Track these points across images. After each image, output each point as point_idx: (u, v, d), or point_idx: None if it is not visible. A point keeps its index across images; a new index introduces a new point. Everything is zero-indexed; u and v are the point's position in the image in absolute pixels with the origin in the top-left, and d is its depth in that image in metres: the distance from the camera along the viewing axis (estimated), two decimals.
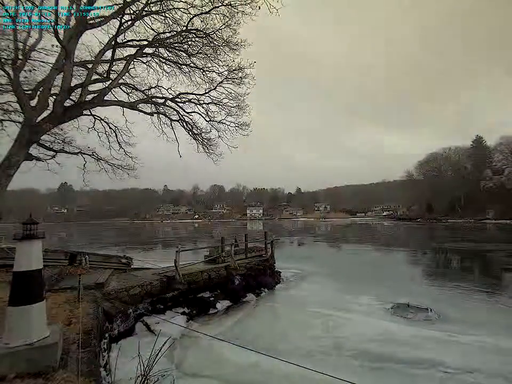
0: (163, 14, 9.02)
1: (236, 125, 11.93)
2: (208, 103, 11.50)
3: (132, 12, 8.56)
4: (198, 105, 11.42)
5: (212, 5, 8.78)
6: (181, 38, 9.69)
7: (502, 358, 5.54)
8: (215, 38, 9.69)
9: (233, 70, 10.72)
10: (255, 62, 10.59)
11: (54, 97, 7.82)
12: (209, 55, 10.27)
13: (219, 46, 9.95)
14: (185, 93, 11.06)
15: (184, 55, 10.19)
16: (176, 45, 9.82)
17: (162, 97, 10.70)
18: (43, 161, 8.97)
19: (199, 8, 8.94)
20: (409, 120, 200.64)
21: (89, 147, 10.32)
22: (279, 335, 6.73)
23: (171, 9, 9.00)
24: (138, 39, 9.50)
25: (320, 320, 7.65)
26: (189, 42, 9.89)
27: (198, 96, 11.22)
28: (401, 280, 12.21)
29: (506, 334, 6.61)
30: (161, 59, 10.36)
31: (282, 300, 9.78)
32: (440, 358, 5.57)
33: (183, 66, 10.63)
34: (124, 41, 9.24)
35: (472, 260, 18.26)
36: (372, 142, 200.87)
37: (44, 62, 8.50)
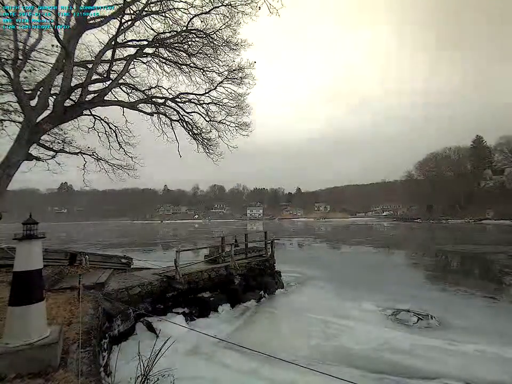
0: (163, 14, 9.02)
1: (236, 125, 11.93)
2: (208, 103, 11.49)
3: (132, 12, 8.55)
4: (198, 105, 11.41)
5: (212, 5, 8.79)
6: (181, 38, 9.69)
7: (503, 368, 5.47)
8: (215, 38, 9.69)
9: (233, 70, 10.73)
10: (255, 62, 10.61)
11: (54, 97, 7.82)
12: (209, 55, 10.27)
13: (219, 46, 9.95)
14: (185, 93, 11.05)
15: (184, 55, 10.19)
16: (176, 45, 9.81)
17: (162, 97, 10.69)
18: (43, 161, 8.95)
19: (199, 8, 8.95)
20: None
21: (89, 147, 10.31)
22: (278, 343, 6.66)
23: (171, 9, 9.01)
24: (138, 39, 9.50)
25: (320, 327, 7.59)
26: (189, 42, 9.89)
27: (198, 96, 11.22)
28: (402, 284, 12.15)
29: (507, 342, 6.52)
30: (161, 59, 10.36)
31: (282, 305, 9.70)
32: (441, 368, 5.52)
33: (183, 66, 10.63)
34: (124, 41, 9.23)
35: (472, 262, 18.25)
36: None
37: (44, 62, 8.49)
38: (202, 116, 11.63)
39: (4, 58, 7.42)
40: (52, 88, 7.88)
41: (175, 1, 8.89)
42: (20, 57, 7.48)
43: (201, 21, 9.25)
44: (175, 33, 9.44)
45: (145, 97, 10.56)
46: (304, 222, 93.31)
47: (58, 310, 5.22)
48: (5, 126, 8.41)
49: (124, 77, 9.66)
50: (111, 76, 8.58)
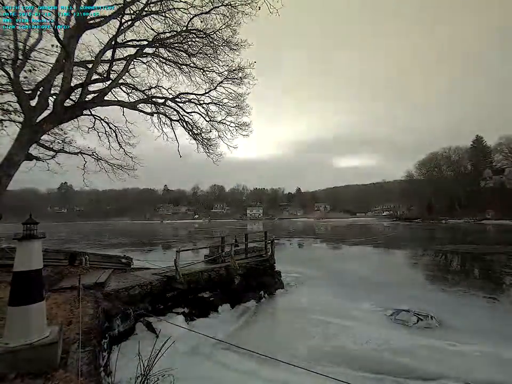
0: (163, 14, 9.02)
1: (236, 125, 11.95)
2: (208, 103, 11.50)
3: (132, 12, 8.55)
4: (198, 105, 11.42)
5: (212, 5, 8.79)
6: (181, 38, 9.69)
7: (503, 368, 5.46)
8: (215, 38, 9.69)
9: (233, 70, 10.74)
10: (255, 62, 10.61)
11: (54, 97, 7.82)
12: (209, 55, 10.28)
13: (219, 46, 9.95)
14: (185, 93, 11.06)
15: (184, 55, 10.20)
16: (176, 45, 9.81)
17: (162, 97, 10.70)
18: (43, 161, 8.97)
19: (199, 8, 8.95)
20: None
21: (89, 147, 10.33)
22: (278, 344, 6.65)
23: (171, 9, 9.00)
24: (138, 39, 9.50)
25: (320, 328, 7.56)
26: (189, 42, 9.89)
27: (198, 96, 11.23)
28: (402, 284, 12.13)
29: (507, 343, 6.49)
30: (161, 59, 10.36)
31: (282, 306, 9.69)
32: (441, 369, 5.51)
33: (183, 66, 10.63)
34: (124, 41, 9.23)
35: (472, 262, 18.22)
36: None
37: (44, 62, 8.48)
38: (202, 116, 11.66)
39: (4, 58, 7.42)
40: (52, 88, 7.88)
41: (175, 1, 8.88)
42: (20, 57, 7.48)
43: (201, 21, 9.26)
44: (175, 33, 9.43)
45: (145, 97, 10.57)
46: (304, 222, 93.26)
47: (58, 310, 5.23)
48: (5, 126, 8.41)
49: (124, 77, 9.66)
50: (111, 76, 8.58)
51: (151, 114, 10.79)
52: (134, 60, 9.62)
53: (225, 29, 9.51)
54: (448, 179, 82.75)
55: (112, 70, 8.83)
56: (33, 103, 7.43)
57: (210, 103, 11.51)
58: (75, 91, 8.23)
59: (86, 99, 8.37)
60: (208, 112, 11.66)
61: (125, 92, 10.76)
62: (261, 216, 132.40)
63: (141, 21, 9.07)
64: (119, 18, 7.84)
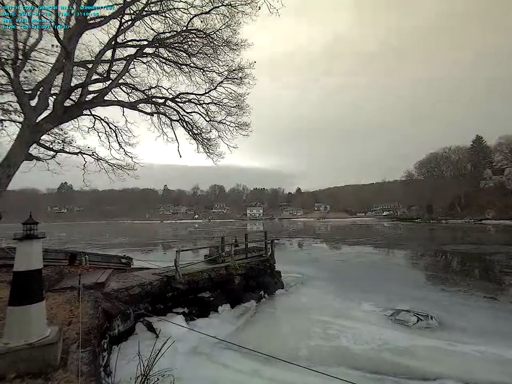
0: (163, 14, 9.03)
1: (236, 125, 11.95)
2: (208, 103, 11.50)
3: (132, 12, 8.56)
4: (198, 105, 11.43)
5: (212, 5, 8.80)
6: (181, 38, 9.70)
7: (503, 369, 5.45)
8: (215, 38, 9.70)
9: (233, 70, 10.74)
10: (255, 62, 10.61)
11: (54, 97, 7.82)
12: (209, 55, 10.28)
13: (219, 46, 9.96)
14: (185, 93, 11.06)
15: (184, 55, 10.20)
16: (176, 45, 9.82)
17: (162, 97, 10.70)
18: (43, 161, 8.96)
19: (199, 8, 8.96)
20: None
21: (89, 147, 10.33)
22: (278, 343, 6.65)
23: (171, 9, 9.01)
24: (138, 39, 9.51)
25: (320, 328, 7.56)
26: (189, 42, 9.90)
27: (198, 96, 11.23)
28: (402, 285, 12.12)
29: (507, 343, 6.49)
30: (161, 59, 10.36)
31: (282, 306, 9.69)
32: (441, 369, 5.51)
33: (183, 66, 10.64)
34: (124, 41, 9.24)
35: (472, 263, 18.20)
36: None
37: (44, 62, 8.49)
38: (202, 115, 11.66)
39: (3, 58, 7.41)
40: (52, 88, 7.87)
41: (175, 1, 8.90)
42: (20, 57, 7.47)
43: (201, 21, 9.27)
44: (175, 33, 9.44)
45: (145, 97, 10.57)
46: (304, 222, 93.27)
47: (58, 310, 5.23)
48: (5, 126, 8.41)
49: (124, 77, 9.66)
50: (111, 76, 8.58)
51: (151, 114, 10.80)
52: (134, 60, 9.62)
53: (225, 29, 9.52)
54: (448, 179, 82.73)
55: (112, 70, 8.83)
56: (33, 103, 7.42)
57: (210, 103, 11.52)
58: (75, 91, 8.24)
59: (86, 99, 8.37)
60: (208, 112, 11.67)
61: (125, 91, 10.77)
62: (261, 216, 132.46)
63: (141, 21, 9.08)
64: (119, 18, 7.83)
